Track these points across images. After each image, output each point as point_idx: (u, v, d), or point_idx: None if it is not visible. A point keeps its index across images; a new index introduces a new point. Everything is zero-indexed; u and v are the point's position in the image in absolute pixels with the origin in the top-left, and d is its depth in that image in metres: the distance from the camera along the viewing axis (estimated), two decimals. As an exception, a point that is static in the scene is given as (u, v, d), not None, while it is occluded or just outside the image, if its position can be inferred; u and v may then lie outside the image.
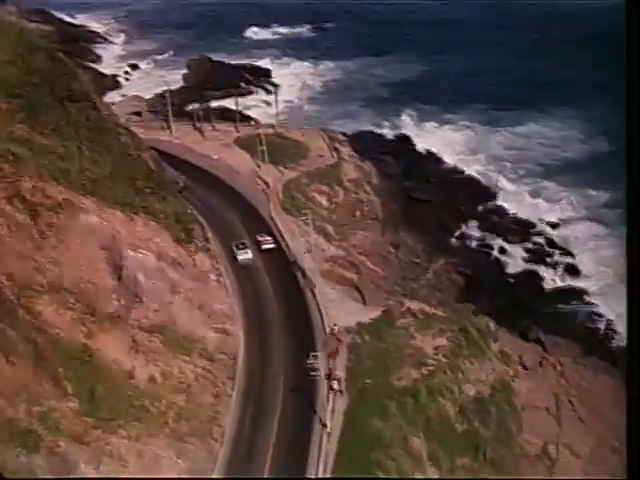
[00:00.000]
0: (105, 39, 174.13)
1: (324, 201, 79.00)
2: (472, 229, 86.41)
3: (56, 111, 58.18)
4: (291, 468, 41.40)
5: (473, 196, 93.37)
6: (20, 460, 33.19)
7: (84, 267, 44.86)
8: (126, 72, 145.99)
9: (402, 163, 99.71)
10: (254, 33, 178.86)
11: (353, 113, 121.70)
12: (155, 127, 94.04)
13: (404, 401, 47.20)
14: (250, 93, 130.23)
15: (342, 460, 42.02)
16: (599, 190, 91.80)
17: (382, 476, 41.53)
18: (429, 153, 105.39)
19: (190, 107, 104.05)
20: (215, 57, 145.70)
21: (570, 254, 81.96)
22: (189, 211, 64.75)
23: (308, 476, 40.77)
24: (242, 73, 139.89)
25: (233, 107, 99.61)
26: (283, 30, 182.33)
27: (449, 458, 46.52)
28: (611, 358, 62.91)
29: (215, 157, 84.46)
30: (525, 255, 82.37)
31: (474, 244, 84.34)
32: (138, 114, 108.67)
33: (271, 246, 65.67)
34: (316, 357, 45.01)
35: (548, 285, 77.68)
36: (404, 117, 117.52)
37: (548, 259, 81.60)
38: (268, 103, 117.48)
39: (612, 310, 69.81)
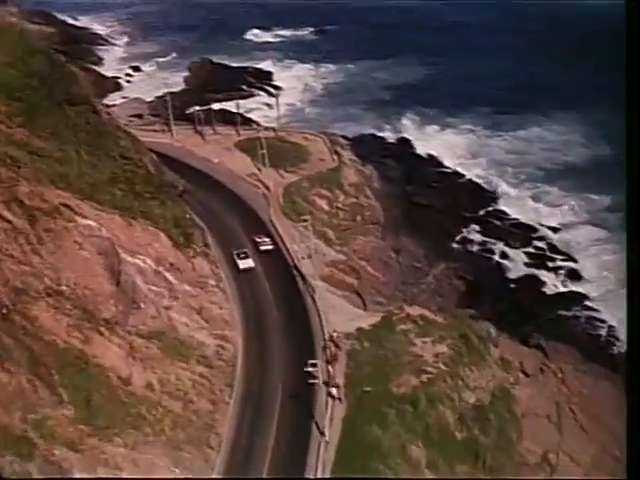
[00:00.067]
0: (107, 41, 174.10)
1: (325, 205, 78.64)
2: (473, 233, 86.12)
3: (55, 114, 57.94)
4: (288, 476, 41.10)
5: (474, 200, 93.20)
6: (14, 468, 32.87)
7: (81, 272, 44.51)
8: (127, 74, 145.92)
9: (403, 167, 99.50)
10: (256, 36, 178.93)
11: (354, 116, 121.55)
12: (156, 130, 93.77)
13: (403, 409, 46.85)
14: (252, 96, 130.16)
15: (340, 469, 41.68)
16: (601, 194, 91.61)
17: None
18: (430, 157, 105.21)
19: (191, 110, 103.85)
20: (217, 59, 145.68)
21: (572, 259, 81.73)
22: (188, 216, 64.32)
23: (305, 483, 40.55)
24: (244, 76, 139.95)
25: (234, 110, 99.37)
26: (285, 33, 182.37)
27: (448, 466, 46.15)
28: (612, 364, 62.47)
29: (216, 160, 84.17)
30: (526, 260, 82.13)
31: (475, 249, 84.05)
32: (139, 116, 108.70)
33: (269, 247, 65.48)
34: (314, 365, 44.65)
35: (549, 290, 77.38)
36: (405, 120, 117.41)
37: (550, 264, 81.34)
38: (270, 106, 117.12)
39: (614, 316, 69.48)
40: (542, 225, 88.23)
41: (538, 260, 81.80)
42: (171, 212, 60.83)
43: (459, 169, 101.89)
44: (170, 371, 45.34)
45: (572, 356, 63.15)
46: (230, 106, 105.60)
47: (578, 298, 74.97)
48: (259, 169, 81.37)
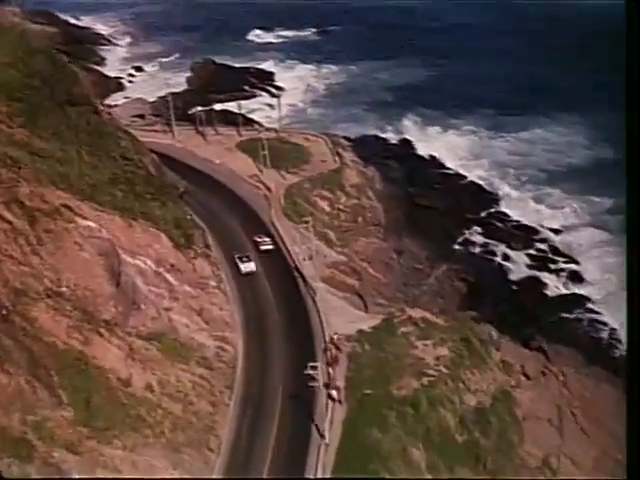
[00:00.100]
0: (110, 41, 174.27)
1: (326, 206, 78.54)
2: (475, 235, 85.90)
3: (56, 115, 57.91)
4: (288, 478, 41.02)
5: (476, 202, 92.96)
6: (13, 470, 32.74)
7: (81, 273, 44.37)
8: (130, 74, 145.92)
9: (405, 168, 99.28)
10: (258, 36, 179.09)
11: (357, 117, 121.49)
12: (157, 130, 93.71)
13: (404, 411, 46.64)
14: (254, 96, 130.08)
15: (340, 471, 41.48)
16: (603, 196, 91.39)
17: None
18: (432, 158, 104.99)
19: (193, 110, 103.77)
20: (219, 60, 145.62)
21: (574, 261, 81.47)
22: (189, 217, 64.25)
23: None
24: (246, 76, 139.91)
25: (236, 110, 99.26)
26: (287, 33, 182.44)
27: (449, 469, 45.95)
28: (614, 367, 62.21)
29: (217, 161, 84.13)
30: (528, 262, 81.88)
31: (477, 250, 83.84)
32: (141, 117, 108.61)
33: (270, 247, 65.38)
34: (315, 367, 44.49)
35: (551, 292, 77.14)
36: (407, 122, 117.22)
37: (551, 266, 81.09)
38: (272, 106, 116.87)
39: (615, 319, 69.23)
40: (544, 227, 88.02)
41: (540, 262, 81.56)
42: (172, 213, 60.72)
43: (461, 170, 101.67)
44: (170, 373, 45.16)
45: (574, 359, 62.96)
46: (232, 107, 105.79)
47: (580, 300, 74.71)
48: (260, 170, 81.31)
